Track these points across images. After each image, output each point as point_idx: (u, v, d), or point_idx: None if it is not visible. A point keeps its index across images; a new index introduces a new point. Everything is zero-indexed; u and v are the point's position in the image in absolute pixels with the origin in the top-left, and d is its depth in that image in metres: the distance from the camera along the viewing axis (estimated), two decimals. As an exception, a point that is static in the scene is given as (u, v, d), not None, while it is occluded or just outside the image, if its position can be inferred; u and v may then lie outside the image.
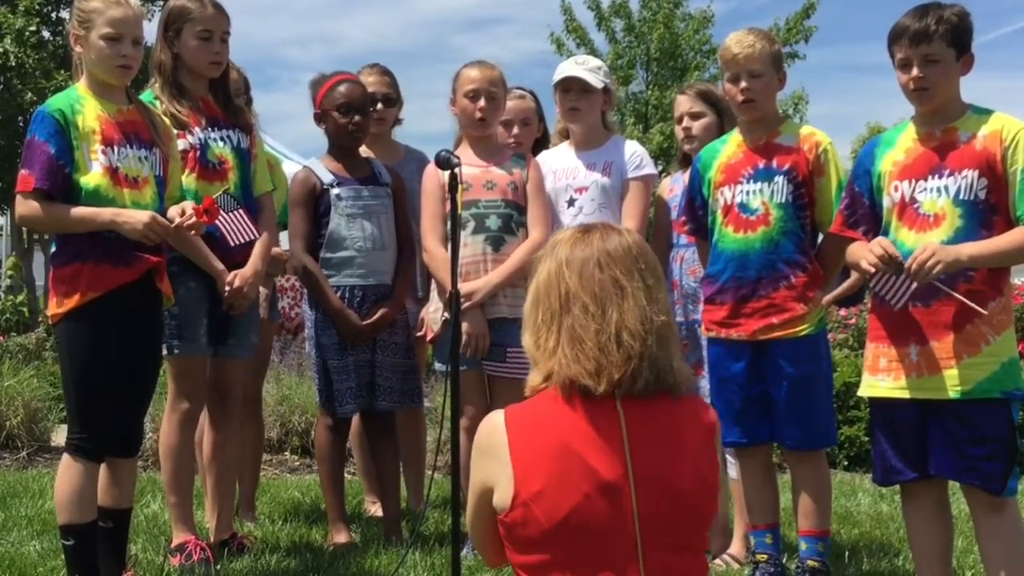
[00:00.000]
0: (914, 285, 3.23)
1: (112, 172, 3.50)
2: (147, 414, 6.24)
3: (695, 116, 4.46)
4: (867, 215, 3.50)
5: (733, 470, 4.24)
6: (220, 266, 3.99)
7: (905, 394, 3.33)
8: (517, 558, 2.25)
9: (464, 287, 4.14)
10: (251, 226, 3.93)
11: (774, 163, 3.86)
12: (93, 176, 3.48)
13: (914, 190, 3.35)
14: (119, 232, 3.48)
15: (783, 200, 3.82)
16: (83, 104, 3.54)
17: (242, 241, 3.91)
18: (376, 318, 4.38)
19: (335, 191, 4.41)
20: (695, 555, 2.30)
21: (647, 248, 2.34)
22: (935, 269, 3.14)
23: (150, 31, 4.01)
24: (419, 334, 4.58)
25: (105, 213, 3.47)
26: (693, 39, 20.80)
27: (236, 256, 4.02)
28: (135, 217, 3.48)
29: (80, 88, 3.60)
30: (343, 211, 4.41)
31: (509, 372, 4.24)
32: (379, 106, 4.86)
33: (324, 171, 4.47)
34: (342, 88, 4.47)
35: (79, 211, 3.46)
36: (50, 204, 3.46)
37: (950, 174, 3.30)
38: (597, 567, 2.18)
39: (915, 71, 3.30)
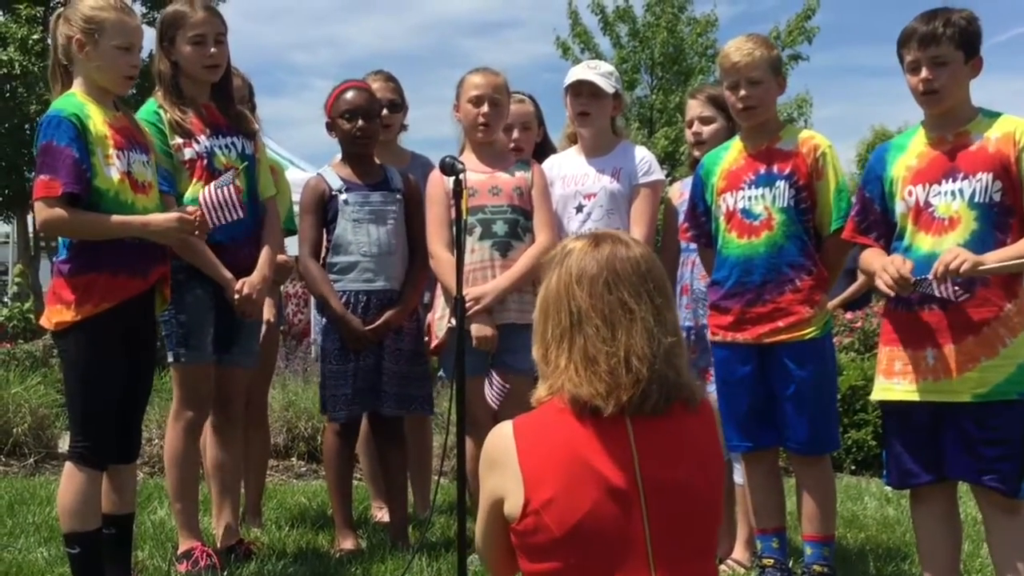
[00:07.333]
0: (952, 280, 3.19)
1: (128, 177, 3.51)
2: (155, 421, 6.37)
3: (705, 121, 4.46)
4: (879, 221, 3.52)
5: (738, 475, 4.24)
6: (228, 274, 3.99)
7: (922, 397, 3.33)
8: (529, 566, 2.24)
9: (472, 291, 4.14)
10: (236, 205, 3.73)
11: (775, 168, 3.87)
12: (112, 182, 3.47)
13: (928, 194, 3.37)
14: (150, 238, 3.49)
15: (785, 204, 3.82)
16: (88, 110, 3.51)
17: (220, 222, 3.71)
18: (379, 322, 4.37)
19: (343, 196, 4.43)
20: (706, 560, 2.30)
21: (656, 262, 2.32)
22: (963, 268, 3.13)
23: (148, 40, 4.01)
24: (425, 340, 4.57)
25: (136, 221, 3.47)
26: (697, 43, 20.85)
27: (244, 263, 4.03)
28: (166, 221, 3.51)
29: (79, 94, 3.55)
30: (349, 216, 4.41)
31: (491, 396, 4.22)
32: (384, 112, 4.87)
33: (334, 177, 4.49)
34: (348, 95, 4.49)
35: (116, 219, 3.43)
36: (75, 210, 3.41)
37: (964, 177, 3.32)
38: (609, 573, 2.17)
39: (924, 73, 3.33)
